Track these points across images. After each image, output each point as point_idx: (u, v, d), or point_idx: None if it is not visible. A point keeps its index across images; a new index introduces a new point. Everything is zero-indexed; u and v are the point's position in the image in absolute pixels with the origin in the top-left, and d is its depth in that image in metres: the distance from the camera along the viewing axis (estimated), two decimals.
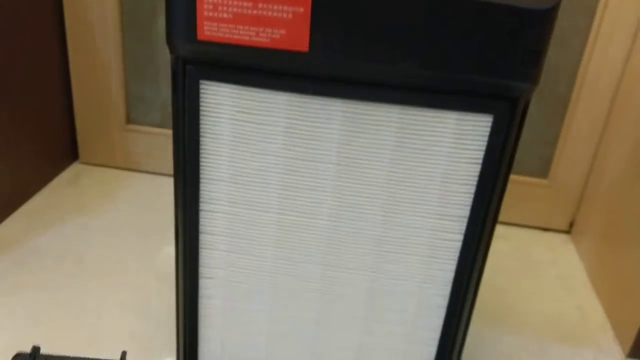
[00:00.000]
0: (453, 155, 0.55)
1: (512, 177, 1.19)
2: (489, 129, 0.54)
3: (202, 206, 0.61)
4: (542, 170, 1.19)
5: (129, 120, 1.24)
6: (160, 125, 1.24)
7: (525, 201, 1.21)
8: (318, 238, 0.61)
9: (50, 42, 1.14)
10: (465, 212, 0.58)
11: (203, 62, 0.53)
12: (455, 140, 0.55)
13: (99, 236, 1.06)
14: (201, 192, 0.60)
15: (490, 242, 0.62)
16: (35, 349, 0.69)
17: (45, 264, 0.97)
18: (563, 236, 1.21)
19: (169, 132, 1.23)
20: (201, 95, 0.55)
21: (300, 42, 0.49)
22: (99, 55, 1.17)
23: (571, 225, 1.22)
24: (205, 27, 0.50)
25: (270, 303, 0.66)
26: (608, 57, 1.05)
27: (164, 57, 1.16)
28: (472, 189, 0.57)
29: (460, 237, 0.59)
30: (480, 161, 0.56)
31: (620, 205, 1.00)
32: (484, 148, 0.55)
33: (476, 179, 0.56)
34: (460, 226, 0.59)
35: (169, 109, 1.22)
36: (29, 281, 0.93)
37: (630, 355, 0.90)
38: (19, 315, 0.86)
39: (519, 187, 1.20)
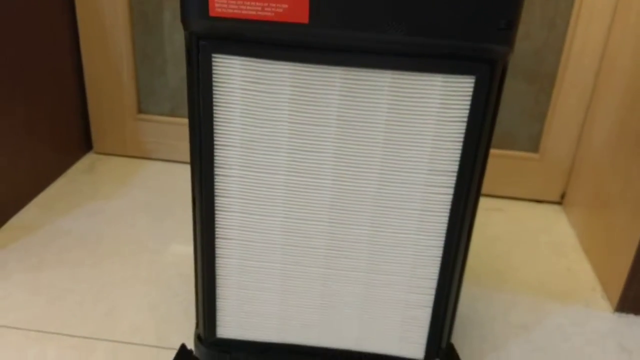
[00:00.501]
0: (441, 115, 0.62)
1: (505, 152, 1.26)
2: (472, 90, 0.60)
3: (217, 171, 0.67)
4: (533, 145, 1.25)
5: (140, 110, 1.31)
6: (170, 114, 1.30)
7: (518, 175, 1.27)
8: (323, 197, 0.67)
9: (63, 37, 1.21)
10: (455, 167, 0.64)
11: (215, 37, 0.59)
12: (443, 101, 0.61)
13: (116, 218, 1.13)
14: (215, 158, 0.66)
15: (478, 195, 0.68)
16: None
17: (66, 244, 1.04)
18: (555, 207, 1.28)
19: (179, 120, 1.30)
20: (213, 68, 0.61)
21: (301, 14, 0.56)
22: (110, 48, 1.23)
23: (562, 196, 1.28)
24: (216, 5, 0.56)
25: (281, 260, 0.72)
26: (590, 34, 1.12)
27: (172, 48, 1.23)
28: (460, 146, 0.63)
29: (451, 190, 0.66)
30: (466, 119, 0.62)
31: (607, 174, 1.06)
32: (468, 107, 0.61)
33: (463, 136, 0.63)
34: (451, 180, 0.65)
35: (178, 98, 1.28)
36: (52, 259, 0.99)
37: (617, 309, 0.96)
38: (44, 290, 0.92)
39: (511, 162, 1.26)
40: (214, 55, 0.60)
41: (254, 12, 0.56)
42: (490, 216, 1.23)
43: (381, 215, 0.68)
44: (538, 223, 1.22)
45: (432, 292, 0.72)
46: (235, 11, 0.56)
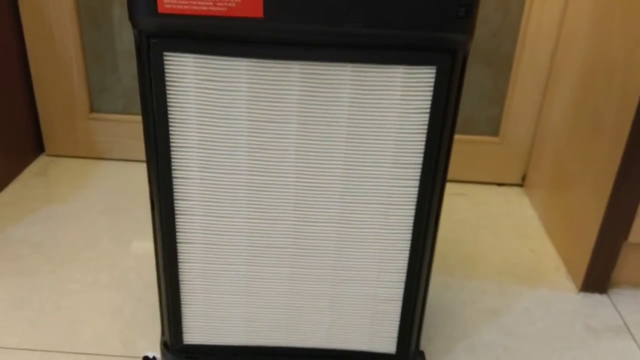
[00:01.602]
0: (403, 107, 0.61)
1: (465, 137, 1.26)
2: (433, 80, 0.59)
3: (175, 173, 0.65)
4: (493, 128, 1.26)
5: (92, 109, 1.26)
6: (123, 112, 1.26)
7: (480, 159, 1.28)
8: (286, 195, 0.66)
9: (6, 37, 1.15)
10: (419, 159, 0.63)
11: (165, 35, 0.57)
12: (404, 93, 0.60)
13: (72, 222, 1.09)
14: (173, 160, 0.64)
15: (444, 186, 0.67)
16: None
17: (22, 252, 0.99)
18: (517, 189, 1.29)
19: (133, 118, 1.26)
20: (166, 66, 0.58)
21: (255, 9, 0.53)
22: (57, 46, 1.18)
23: (523, 178, 1.29)
24: (165, 1, 0.54)
25: (246, 262, 0.70)
26: (544, 15, 1.12)
27: (123, 44, 1.18)
28: (424, 137, 0.62)
29: (416, 183, 0.65)
30: (429, 110, 0.61)
31: (565, 154, 1.07)
32: (430, 98, 0.60)
33: (426, 126, 0.62)
34: (415, 173, 0.64)
35: (131, 95, 1.24)
36: (7, 269, 0.95)
37: (582, 289, 0.97)
38: (3, 300, 0.88)
39: (472, 146, 1.26)
40: (165, 53, 0.58)
41: (205, 8, 0.54)
42: (455, 201, 1.23)
43: (347, 211, 0.66)
44: (501, 206, 1.22)
45: (401, 285, 0.71)
46: (186, 7, 0.54)
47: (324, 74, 0.59)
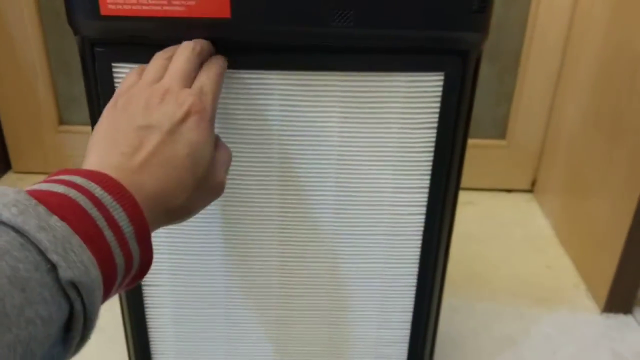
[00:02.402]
0: (406, 121, 0.50)
1: (470, 141, 1.15)
2: (441, 89, 0.49)
3: None
4: (499, 130, 1.16)
5: (61, 121, 1.16)
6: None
7: (486, 165, 1.18)
8: (269, 227, 0.55)
9: None
10: (425, 182, 0.53)
11: (112, 42, 0.46)
12: (407, 105, 0.49)
13: None
14: None
15: (454, 213, 0.57)
16: None
17: None
18: (526, 195, 1.19)
19: None
20: (115, 79, 0.48)
21: (221, 7, 0.43)
22: (18, 53, 1.08)
23: (533, 183, 1.19)
24: (108, 1, 0.43)
25: (225, 304, 0.60)
26: (555, 4, 1.02)
27: None
28: (430, 156, 0.52)
29: (423, 210, 0.54)
30: (436, 125, 0.51)
31: (581, 158, 0.97)
32: (438, 110, 0.50)
33: (433, 144, 0.51)
34: (421, 198, 0.54)
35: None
36: None
37: (605, 309, 0.87)
38: None
39: (477, 150, 1.16)
40: (113, 64, 0.47)
41: (159, 8, 0.43)
42: (460, 211, 1.12)
43: (341, 244, 0.56)
44: (511, 215, 1.12)
45: (408, 326, 0.61)
46: (134, 7, 0.43)
47: (308, 85, 0.48)
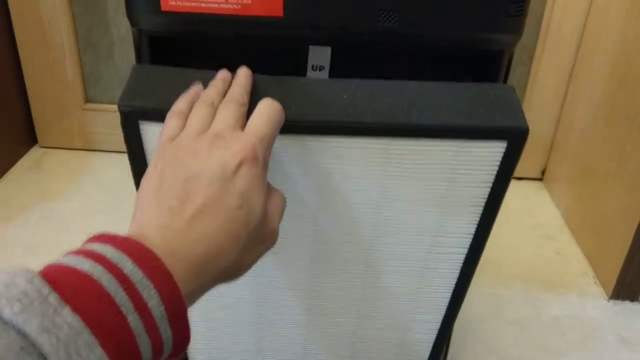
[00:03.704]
0: (456, 181, 0.48)
1: None
2: (501, 157, 0.48)
3: None
4: None
5: (87, 99, 1.18)
6: None
7: None
8: (301, 264, 0.55)
9: None
10: (472, 227, 0.53)
11: (169, 36, 0.49)
12: (456, 169, 0.47)
13: (68, 220, 1.02)
14: None
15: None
16: None
17: (14, 254, 0.93)
18: (536, 183, 1.22)
19: None
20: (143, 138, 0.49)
21: (274, 6, 0.46)
22: (47, 32, 1.10)
23: (543, 172, 1.22)
24: None
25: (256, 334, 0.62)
26: (570, 3, 1.04)
27: (118, 29, 1.10)
28: (480, 209, 0.51)
29: (464, 250, 0.56)
30: (490, 185, 0.50)
31: (592, 148, 1.00)
32: (494, 174, 0.49)
33: (484, 200, 0.51)
34: (465, 241, 0.54)
35: None
36: None
37: (612, 296, 0.91)
38: None
39: None
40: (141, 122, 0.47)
41: (215, 5, 0.46)
42: None
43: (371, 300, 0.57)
44: (521, 202, 1.16)
45: (434, 330, 0.63)
46: (194, 4, 0.46)
47: (349, 147, 0.46)
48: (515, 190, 1.20)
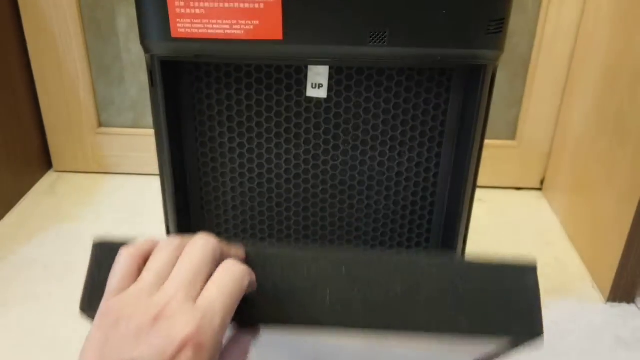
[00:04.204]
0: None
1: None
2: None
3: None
4: (510, 132, 1.23)
5: (100, 123, 1.24)
6: (132, 125, 1.23)
7: (497, 164, 1.25)
8: None
9: (11, 53, 1.13)
10: None
11: (179, 60, 0.54)
12: None
13: (84, 241, 1.06)
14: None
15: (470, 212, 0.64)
16: None
17: (33, 275, 0.97)
18: (535, 193, 1.26)
19: (142, 131, 1.23)
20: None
21: (274, 31, 0.51)
22: (62, 61, 1.16)
23: (542, 182, 1.26)
24: (178, 25, 0.51)
25: None
26: (562, 14, 1.09)
27: (128, 55, 1.16)
28: None
29: None
30: None
31: (588, 158, 1.04)
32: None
33: None
34: None
35: (140, 108, 1.22)
36: (18, 294, 0.93)
37: (609, 299, 0.94)
38: (11, 331, 0.86)
39: (489, 151, 1.23)
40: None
41: (221, 31, 0.51)
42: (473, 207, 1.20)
43: None
44: (520, 211, 1.19)
45: None
46: (201, 31, 0.51)
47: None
48: (515, 200, 1.23)
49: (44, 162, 1.27)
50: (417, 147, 0.66)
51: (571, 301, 0.94)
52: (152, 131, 0.60)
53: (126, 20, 1.13)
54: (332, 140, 0.65)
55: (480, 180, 1.25)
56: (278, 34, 0.51)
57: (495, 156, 1.24)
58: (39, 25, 1.13)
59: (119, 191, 1.23)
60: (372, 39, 0.51)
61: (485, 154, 1.22)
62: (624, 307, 0.93)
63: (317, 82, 0.60)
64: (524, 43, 1.14)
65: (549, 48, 1.12)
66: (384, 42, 0.51)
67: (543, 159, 1.23)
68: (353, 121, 0.64)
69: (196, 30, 0.51)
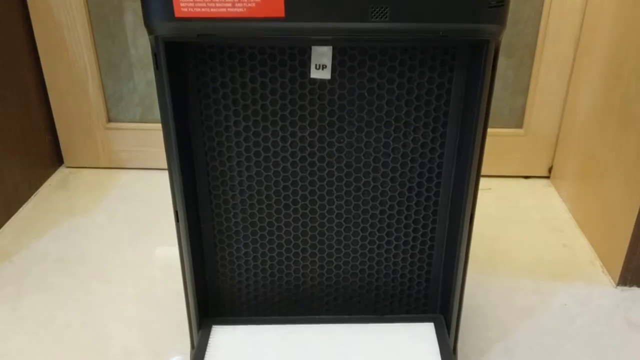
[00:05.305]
0: None
1: (490, 130, 1.23)
2: None
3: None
4: (517, 120, 1.23)
5: (110, 118, 1.25)
6: (141, 120, 1.25)
7: (504, 152, 1.25)
8: None
9: (20, 51, 1.14)
10: None
11: (182, 40, 0.55)
12: None
13: (96, 235, 1.08)
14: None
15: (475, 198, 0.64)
16: None
17: (46, 267, 0.98)
18: (543, 181, 1.26)
19: (151, 126, 1.25)
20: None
21: (276, 8, 0.51)
22: (71, 57, 1.17)
23: (550, 170, 1.26)
24: (181, 4, 0.52)
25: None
26: (566, 4, 1.09)
27: (137, 51, 1.17)
28: None
29: None
30: None
31: (595, 144, 1.04)
32: None
33: None
34: None
35: (148, 103, 1.23)
36: (31, 285, 0.94)
37: (619, 282, 0.94)
38: (25, 320, 0.87)
39: (496, 139, 1.23)
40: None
41: (224, 10, 0.52)
42: (481, 196, 1.20)
43: None
44: (528, 199, 1.19)
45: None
46: (204, 10, 0.52)
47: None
48: (523, 188, 1.23)
49: (55, 159, 1.29)
50: (422, 128, 0.66)
51: (581, 285, 0.94)
52: (160, 125, 0.61)
53: (133, 16, 1.14)
54: (337, 122, 0.66)
55: (488, 169, 1.26)
56: (280, 12, 0.51)
57: (502, 145, 1.24)
58: (47, 23, 1.14)
59: (129, 185, 1.24)
60: (374, 14, 0.52)
61: (492, 142, 1.23)
62: (634, 291, 0.93)
63: (321, 63, 0.61)
64: (529, 30, 1.14)
65: (554, 35, 1.12)
66: (386, 18, 0.52)
67: (550, 146, 1.23)
68: (357, 102, 0.64)
69: (199, 10, 0.52)
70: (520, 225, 1.10)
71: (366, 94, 0.64)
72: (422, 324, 0.72)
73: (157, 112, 1.23)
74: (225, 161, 0.68)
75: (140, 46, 1.16)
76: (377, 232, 0.72)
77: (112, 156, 1.28)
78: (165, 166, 0.63)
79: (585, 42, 1.09)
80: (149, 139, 1.25)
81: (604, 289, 0.94)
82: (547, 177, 1.26)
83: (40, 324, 0.86)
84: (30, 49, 1.17)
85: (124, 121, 1.25)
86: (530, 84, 1.18)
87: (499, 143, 1.23)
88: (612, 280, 0.95)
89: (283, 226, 0.71)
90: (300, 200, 0.70)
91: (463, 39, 0.54)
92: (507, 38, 1.14)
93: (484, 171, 1.26)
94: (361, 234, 0.72)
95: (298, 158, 0.67)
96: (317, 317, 0.74)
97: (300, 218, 0.71)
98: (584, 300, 0.91)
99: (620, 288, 0.94)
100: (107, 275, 0.96)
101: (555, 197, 1.20)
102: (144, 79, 1.20)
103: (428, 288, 0.76)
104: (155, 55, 0.57)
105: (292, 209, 0.70)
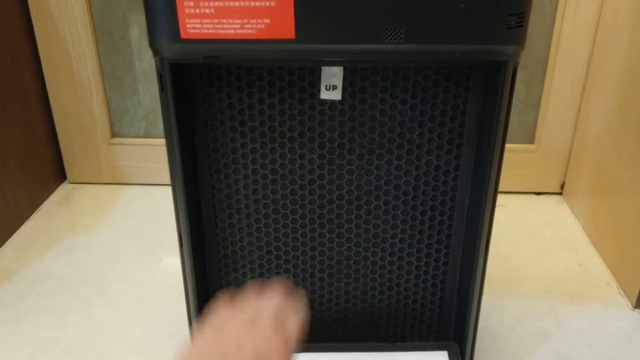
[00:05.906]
0: None
1: None
2: None
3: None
4: (528, 136, 1.20)
5: (113, 133, 1.23)
6: (145, 135, 1.23)
7: (516, 168, 1.22)
8: None
9: (24, 66, 1.13)
10: None
11: (188, 62, 0.53)
12: None
13: (98, 253, 1.05)
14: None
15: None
16: None
17: (47, 288, 0.96)
18: (556, 197, 1.23)
19: (155, 141, 1.23)
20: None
21: (286, 29, 0.49)
22: (75, 72, 1.15)
23: (562, 186, 1.23)
24: (188, 25, 0.50)
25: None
26: (579, 17, 1.06)
27: (142, 65, 1.15)
28: None
29: None
30: None
31: (608, 160, 1.01)
32: None
33: None
34: None
35: (152, 118, 1.21)
36: (33, 307, 0.92)
37: (637, 305, 0.91)
38: (26, 343, 0.85)
39: (507, 155, 1.19)
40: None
41: (232, 31, 0.49)
42: None
43: None
44: (541, 216, 1.16)
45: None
46: (211, 31, 0.50)
47: None
48: (535, 205, 1.21)
49: (58, 174, 1.27)
50: (436, 150, 0.64)
51: (597, 308, 0.91)
52: (164, 140, 0.59)
53: (138, 30, 1.12)
54: (347, 144, 0.63)
55: (499, 185, 1.23)
56: (290, 33, 0.49)
57: (514, 161, 1.21)
58: (51, 36, 1.13)
59: (133, 201, 1.22)
60: (388, 36, 0.49)
61: (504, 158, 1.20)
62: None
63: (331, 83, 0.59)
64: (541, 44, 1.11)
65: (567, 49, 1.10)
66: (400, 39, 0.49)
67: (563, 162, 1.21)
68: (369, 123, 0.62)
69: (206, 31, 0.50)
70: (533, 243, 1.08)
71: (378, 115, 0.62)
72: (435, 352, 0.70)
73: (161, 127, 1.21)
74: (232, 184, 0.66)
75: (145, 60, 1.14)
76: (388, 257, 0.70)
77: (115, 171, 1.26)
78: (169, 182, 0.61)
79: (599, 56, 1.07)
80: (153, 154, 1.23)
81: (621, 312, 0.91)
82: (560, 194, 1.24)
83: (41, 349, 0.84)
84: (33, 62, 1.15)
85: (127, 136, 1.23)
86: (542, 99, 1.16)
87: (510, 159, 1.21)
88: (629, 303, 0.92)
89: (291, 250, 0.69)
90: (308, 224, 0.67)
91: (480, 61, 0.52)
92: None
93: None
94: (372, 258, 0.70)
95: (307, 181, 0.65)
96: (325, 344, 0.71)
97: (308, 242, 0.68)
98: (601, 324, 0.88)
99: (637, 311, 0.91)
100: (110, 297, 0.94)
101: (568, 214, 1.17)
102: (148, 93, 1.18)
103: (441, 315, 0.74)
104: (160, 77, 0.55)
105: (300, 232, 0.68)
